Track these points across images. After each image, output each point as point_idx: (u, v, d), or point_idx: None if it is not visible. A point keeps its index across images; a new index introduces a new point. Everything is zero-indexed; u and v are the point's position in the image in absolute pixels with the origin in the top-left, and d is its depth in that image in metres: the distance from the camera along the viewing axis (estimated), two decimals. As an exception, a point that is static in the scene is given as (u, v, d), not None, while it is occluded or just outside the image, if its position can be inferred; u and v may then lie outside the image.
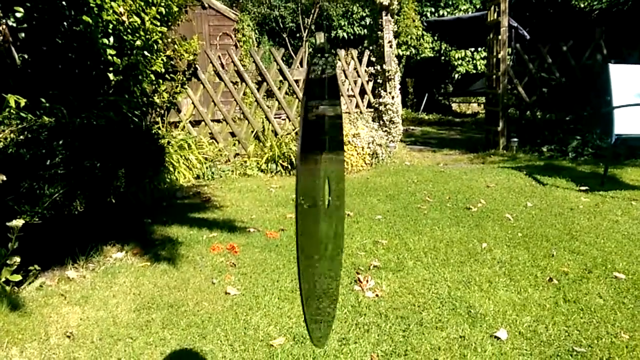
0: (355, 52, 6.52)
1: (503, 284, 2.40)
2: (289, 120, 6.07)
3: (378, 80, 6.49)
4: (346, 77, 6.41)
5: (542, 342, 1.89)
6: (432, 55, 13.23)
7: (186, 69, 5.44)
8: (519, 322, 2.03)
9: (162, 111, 5.25)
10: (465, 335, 1.94)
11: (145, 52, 3.92)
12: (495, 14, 6.29)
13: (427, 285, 2.41)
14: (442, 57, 13.18)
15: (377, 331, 1.99)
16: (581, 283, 2.38)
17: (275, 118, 5.99)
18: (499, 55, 6.27)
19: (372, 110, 6.61)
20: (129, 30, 3.67)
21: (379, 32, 6.17)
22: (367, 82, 6.56)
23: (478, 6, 13.45)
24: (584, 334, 1.93)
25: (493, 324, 2.03)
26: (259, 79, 5.95)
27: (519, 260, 2.70)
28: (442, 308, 2.18)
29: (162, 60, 4.32)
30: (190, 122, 5.61)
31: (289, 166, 5.32)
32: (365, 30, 13.18)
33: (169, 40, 5.05)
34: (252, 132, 5.88)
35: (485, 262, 2.69)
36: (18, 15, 3.15)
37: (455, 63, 13.45)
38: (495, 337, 1.92)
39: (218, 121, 5.92)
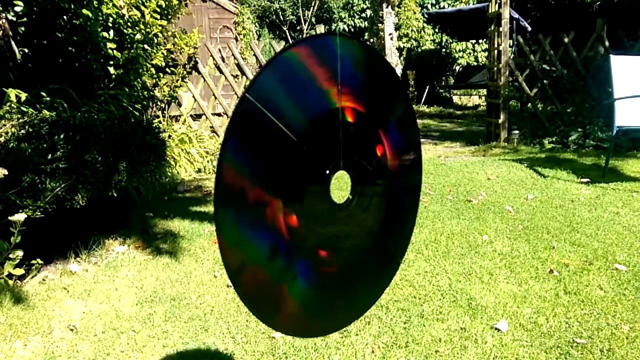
0: (355, 45, 6.49)
1: (504, 276, 2.41)
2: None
3: (379, 73, 6.47)
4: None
5: (543, 334, 1.89)
6: (433, 47, 13.17)
7: (187, 62, 5.44)
8: (520, 314, 2.04)
9: (163, 105, 5.26)
10: (466, 327, 1.95)
11: (146, 46, 3.92)
12: (497, 6, 6.26)
13: (428, 278, 2.42)
14: (443, 50, 13.13)
15: (378, 323, 2.00)
16: (582, 275, 2.38)
17: (276, 111, 5.98)
18: (500, 47, 6.24)
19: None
20: (129, 24, 3.67)
21: (380, 25, 6.16)
22: (368, 74, 6.54)
23: (479, -2, 13.37)
24: (585, 325, 1.94)
25: (494, 315, 2.04)
26: (260, 72, 5.93)
27: (520, 252, 2.70)
28: (442, 300, 2.19)
29: (162, 53, 4.32)
30: (191, 115, 5.62)
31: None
32: (366, 23, 13.13)
33: (169, 33, 5.05)
34: (253, 125, 5.87)
35: (485, 254, 2.70)
36: (18, 9, 3.15)
37: (456, 55, 13.39)
38: (496, 328, 1.93)
39: (219, 114, 5.93)
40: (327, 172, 1.01)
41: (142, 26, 3.77)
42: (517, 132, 6.33)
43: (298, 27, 13.63)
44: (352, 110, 1.01)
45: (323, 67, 0.95)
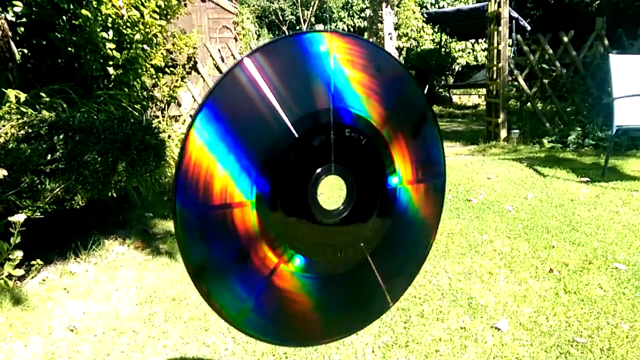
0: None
1: (503, 276, 2.41)
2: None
3: (378, 73, 6.46)
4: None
5: (543, 333, 1.89)
6: (433, 47, 13.17)
7: (186, 62, 5.43)
8: (520, 313, 2.04)
9: (163, 105, 5.25)
10: (466, 327, 1.95)
11: (145, 46, 3.91)
12: (496, 5, 6.26)
13: (428, 277, 2.42)
14: (443, 49, 13.13)
15: (378, 323, 2.00)
16: (582, 274, 2.38)
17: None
18: (500, 47, 6.24)
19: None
20: (128, 24, 3.66)
21: (379, 24, 6.15)
22: (368, 74, 6.53)
23: (478, -3, 13.36)
24: (585, 324, 1.94)
25: (494, 315, 2.04)
26: (259, 72, 5.93)
27: (520, 251, 2.70)
28: (442, 299, 2.19)
29: (161, 53, 4.31)
30: (190, 115, 5.61)
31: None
32: (366, 23, 13.13)
33: (169, 33, 5.05)
34: (253, 125, 5.87)
35: (485, 253, 2.70)
36: (17, 9, 3.15)
37: (456, 55, 13.39)
38: (496, 328, 1.93)
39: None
40: (319, 170, 0.91)
41: (141, 26, 3.77)
42: (516, 131, 6.33)
43: (297, 27, 13.63)
44: (355, 114, 0.93)
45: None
